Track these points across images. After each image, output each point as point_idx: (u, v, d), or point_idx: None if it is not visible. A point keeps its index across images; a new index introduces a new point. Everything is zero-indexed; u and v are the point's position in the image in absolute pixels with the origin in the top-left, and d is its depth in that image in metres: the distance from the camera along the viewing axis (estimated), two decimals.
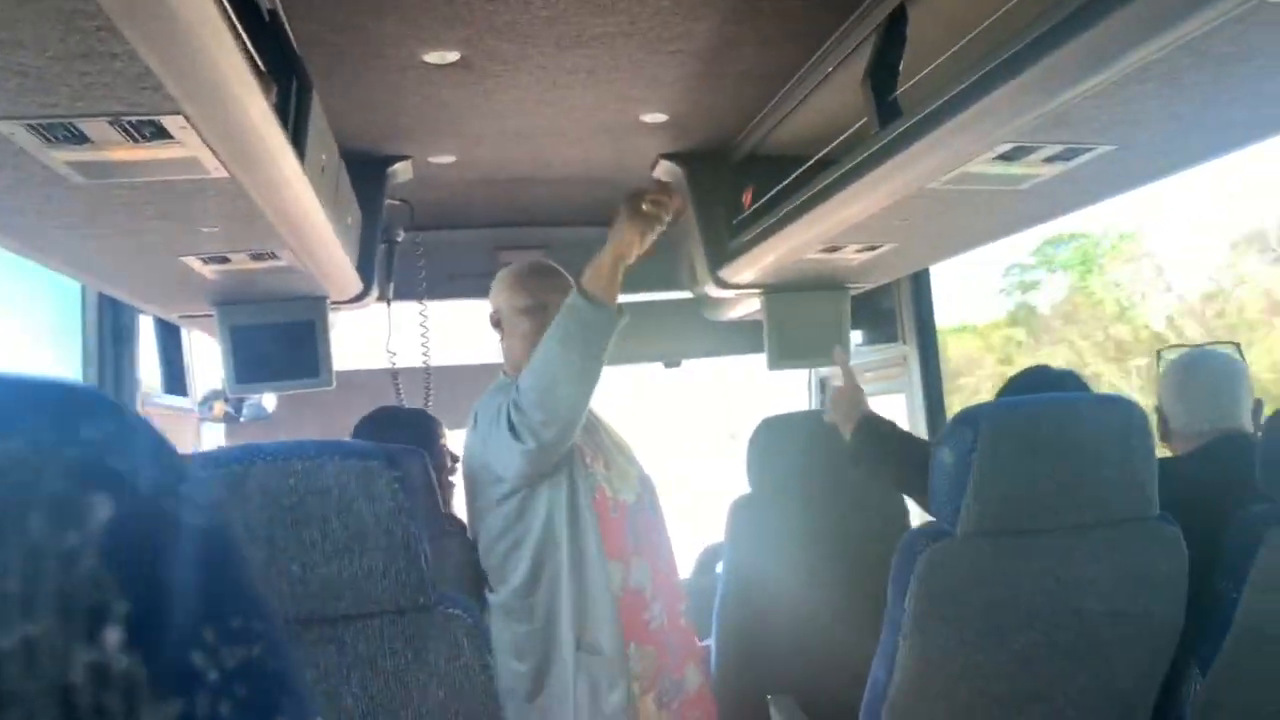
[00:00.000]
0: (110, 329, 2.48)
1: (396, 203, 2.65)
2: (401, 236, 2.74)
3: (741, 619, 2.31)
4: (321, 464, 1.19)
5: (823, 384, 3.37)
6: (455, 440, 2.46)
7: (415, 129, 2.29)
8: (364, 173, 2.35)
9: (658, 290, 3.19)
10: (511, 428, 1.79)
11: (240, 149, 1.38)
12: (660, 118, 2.28)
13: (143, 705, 0.24)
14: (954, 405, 2.59)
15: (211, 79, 1.13)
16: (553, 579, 1.86)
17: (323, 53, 1.76)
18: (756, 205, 2.38)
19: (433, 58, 1.83)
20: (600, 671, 1.83)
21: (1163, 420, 1.93)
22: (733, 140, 2.48)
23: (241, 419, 2.99)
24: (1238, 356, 2.03)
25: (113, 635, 0.23)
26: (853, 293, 2.71)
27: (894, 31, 1.63)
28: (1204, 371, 1.92)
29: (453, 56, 1.83)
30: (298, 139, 1.59)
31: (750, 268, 2.43)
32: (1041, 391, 1.89)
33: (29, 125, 1.17)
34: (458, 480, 2.35)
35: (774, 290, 2.63)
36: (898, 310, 2.87)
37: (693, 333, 3.21)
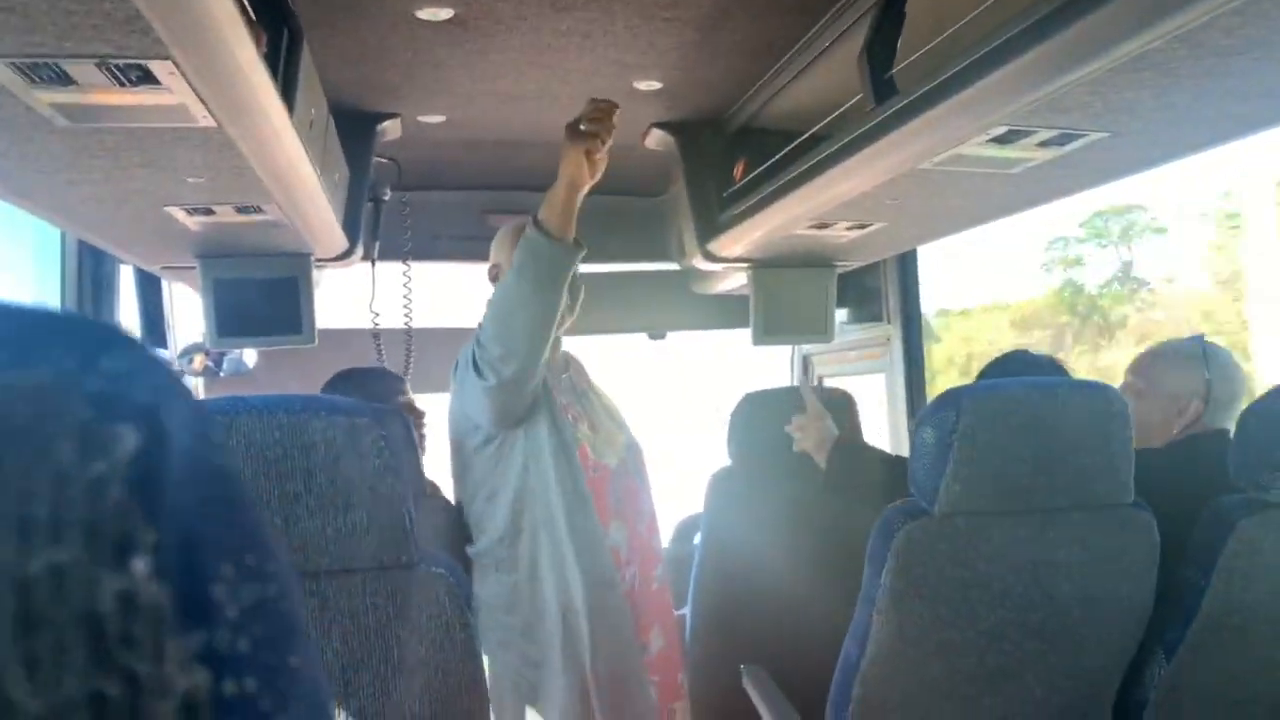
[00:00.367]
0: (90, 279, 2.45)
1: (384, 161, 2.62)
2: (389, 196, 2.71)
3: (717, 589, 2.33)
4: (307, 419, 1.18)
5: (805, 361, 3.37)
6: (433, 403, 2.46)
7: (405, 86, 2.27)
8: (352, 129, 2.33)
9: (644, 262, 3.18)
10: (475, 366, 1.79)
11: (228, 98, 1.36)
12: (654, 85, 2.26)
13: (168, 636, 0.24)
14: None
15: (201, 24, 1.11)
16: (533, 529, 1.86)
17: (314, 4, 1.73)
18: (748, 178, 2.37)
19: (426, 14, 1.80)
20: (611, 601, 1.84)
21: (1189, 407, 1.89)
22: (726, 111, 2.46)
23: (222, 373, 2.97)
24: None
25: (140, 564, 0.24)
26: (840, 271, 2.71)
27: (892, 9, 1.63)
28: (1234, 367, 1.92)
29: (446, 14, 1.80)
30: (287, 90, 1.57)
31: (739, 241, 2.43)
32: (1021, 375, 1.90)
33: (13, 64, 1.15)
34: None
35: (762, 265, 2.63)
36: (883, 290, 2.88)
37: (678, 305, 3.20)
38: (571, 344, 2.21)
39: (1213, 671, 1.52)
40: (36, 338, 0.23)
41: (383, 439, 1.20)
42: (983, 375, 2.06)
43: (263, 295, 2.31)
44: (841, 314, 2.90)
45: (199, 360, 2.91)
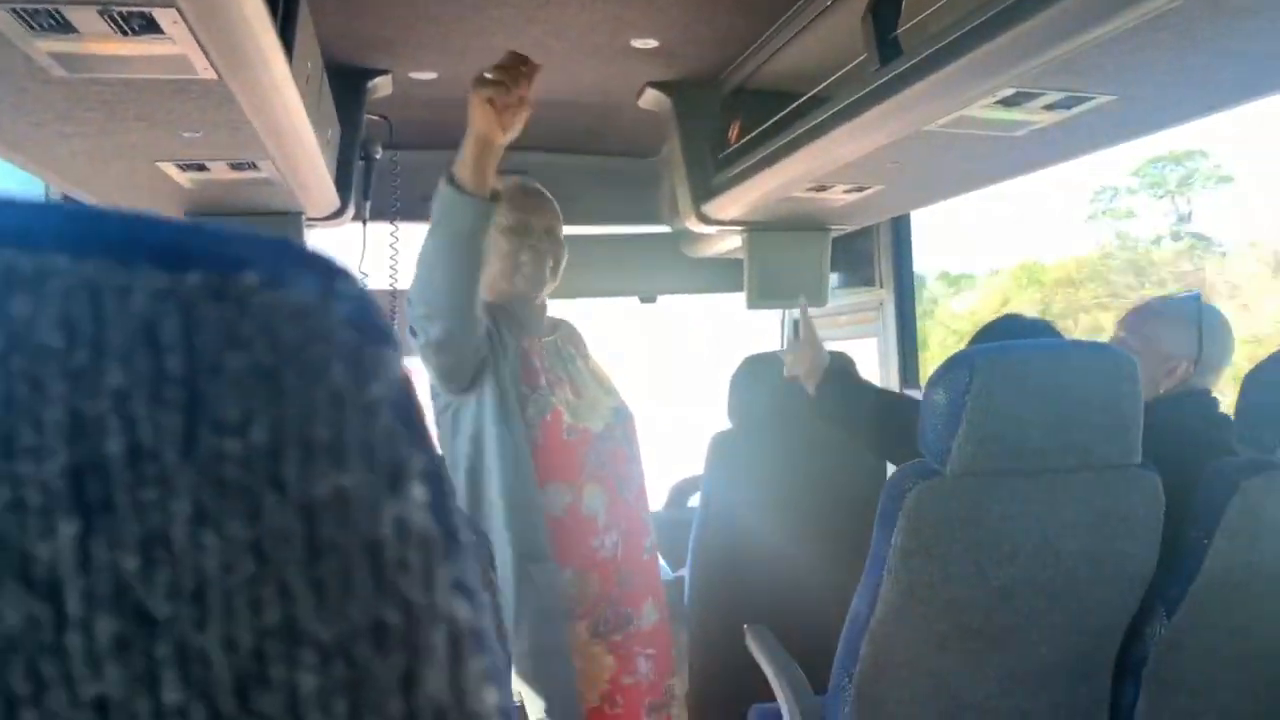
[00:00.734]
0: None
1: (375, 118, 2.58)
2: (380, 154, 2.67)
3: (718, 551, 2.34)
4: None
5: (795, 325, 3.38)
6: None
7: (397, 42, 2.22)
8: (344, 85, 2.29)
9: (635, 224, 3.16)
10: (411, 327, 1.77)
11: (230, 48, 1.32)
12: (651, 43, 2.24)
13: (437, 564, 0.24)
14: None
15: None
16: (490, 497, 1.85)
17: None
18: (744, 140, 2.35)
19: None
20: (541, 579, 1.82)
21: (1178, 368, 1.89)
22: (723, 71, 2.44)
23: None
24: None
25: (417, 490, 0.23)
26: (834, 234, 2.70)
27: None
28: (1226, 330, 1.92)
29: None
30: (286, 43, 1.54)
31: (734, 204, 2.41)
32: (1015, 339, 1.90)
33: (14, 10, 1.11)
34: None
35: (756, 228, 2.62)
36: (876, 254, 2.88)
37: (670, 268, 3.19)
38: (570, 309, 2.20)
39: (1212, 629, 1.55)
40: (277, 259, 0.22)
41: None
42: (976, 340, 2.07)
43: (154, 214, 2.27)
44: (833, 278, 2.90)
45: None
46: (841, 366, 2.13)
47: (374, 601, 0.22)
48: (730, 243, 2.81)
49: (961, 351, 1.45)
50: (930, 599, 1.44)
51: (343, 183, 2.34)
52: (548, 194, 2.02)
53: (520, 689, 1.80)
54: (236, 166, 1.89)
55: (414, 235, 2.88)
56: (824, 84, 2.03)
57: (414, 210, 2.93)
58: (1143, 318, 1.99)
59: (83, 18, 1.16)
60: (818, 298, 2.70)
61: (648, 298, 3.25)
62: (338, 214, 2.40)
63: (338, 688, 0.22)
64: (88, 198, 2.15)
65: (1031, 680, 1.55)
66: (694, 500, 2.68)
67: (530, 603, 1.80)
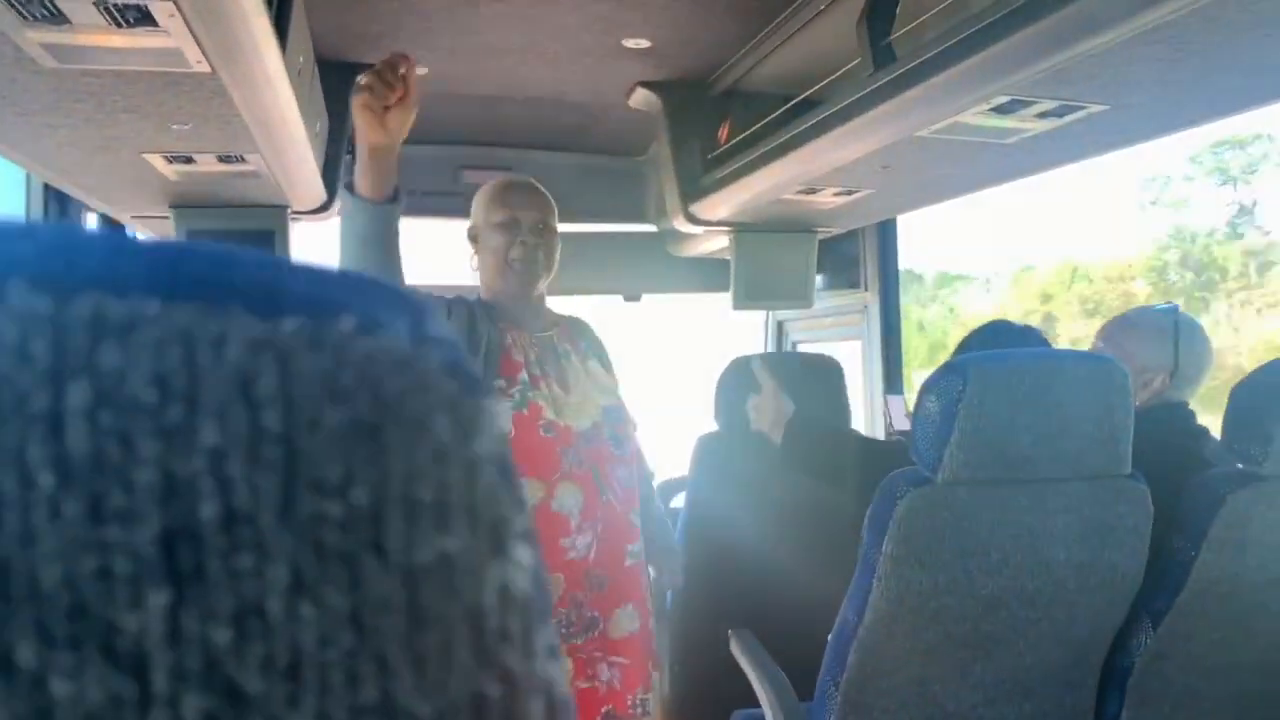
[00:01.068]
0: None
1: None
2: None
3: (703, 554, 2.34)
4: None
5: (780, 326, 3.38)
6: None
7: (388, 36, 2.21)
8: (333, 79, 2.26)
9: (621, 222, 3.16)
10: None
11: (225, 43, 1.31)
12: (643, 43, 2.23)
13: (535, 630, 0.22)
14: None
15: None
16: None
17: None
18: (734, 141, 2.35)
19: None
20: None
21: (1154, 381, 1.90)
22: (714, 72, 2.43)
23: None
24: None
25: (520, 552, 0.22)
26: (820, 237, 2.71)
27: None
28: (1204, 343, 1.92)
29: None
30: (280, 36, 1.52)
31: (723, 205, 2.41)
32: (1003, 347, 1.90)
33: (8, 0, 1.09)
34: None
35: (743, 229, 2.62)
36: (861, 257, 2.89)
37: (655, 267, 3.18)
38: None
39: (1197, 640, 1.56)
40: (370, 300, 0.21)
41: None
42: (963, 347, 2.06)
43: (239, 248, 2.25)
44: (818, 280, 2.91)
45: None
46: (804, 417, 2.10)
47: (475, 673, 0.21)
48: (716, 243, 2.81)
49: (955, 359, 1.45)
50: (920, 607, 1.44)
51: (330, 176, 2.32)
52: (539, 187, 1.99)
53: None
54: (224, 159, 1.86)
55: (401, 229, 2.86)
56: (816, 87, 2.03)
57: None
58: (1119, 329, 1.99)
59: (77, 9, 1.14)
60: (803, 299, 2.70)
61: (632, 296, 3.24)
62: (324, 208, 2.38)
63: None
64: (74, 189, 2.11)
65: (1017, 689, 1.56)
66: (677, 501, 2.67)
67: None
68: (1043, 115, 1.64)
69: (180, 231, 2.22)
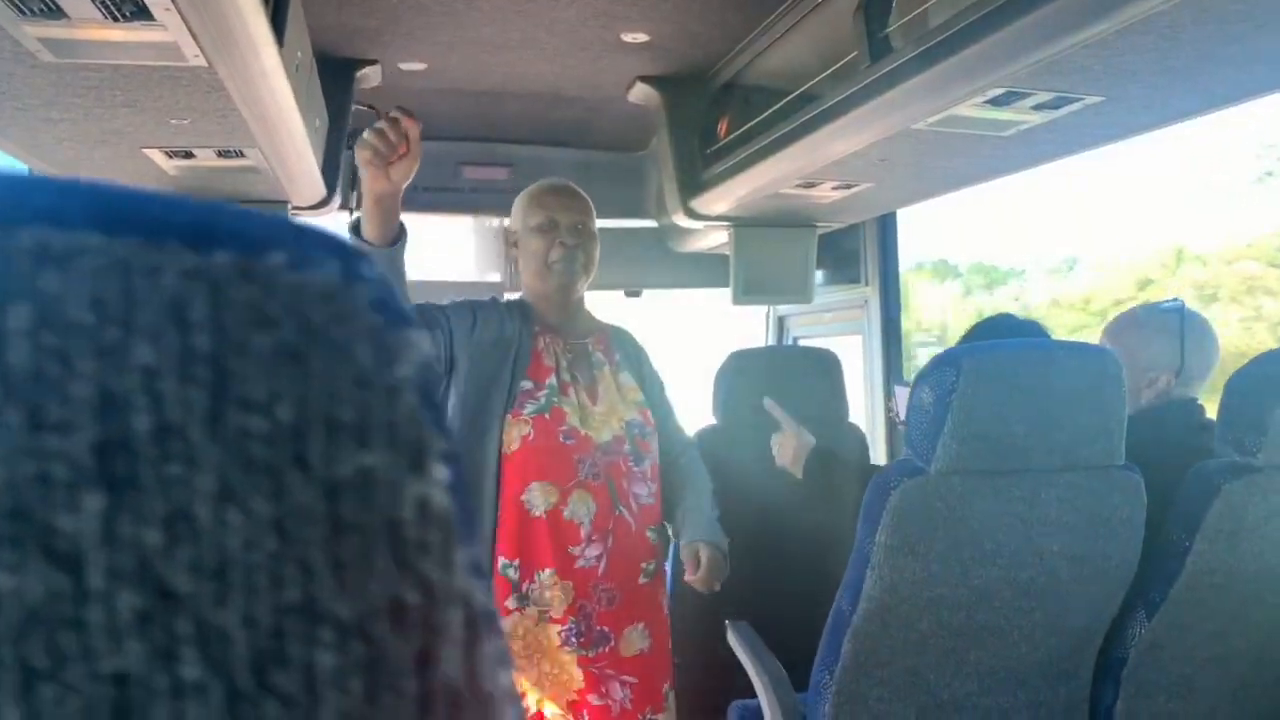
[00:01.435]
0: None
1: (364, 108, 2.57)
2: None
3: None
4: None
5: (781, 321, 3.39)
6: None
7: (387, 32, 2.22)
8: (332, 75, 2.28)
9: (621, 218, 3.16)
10: None
11: (221, 36, 1.32)
12: (641, 38, 2.23)
13: (455, 546, 0.24)
14: None
15: None
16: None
17: None
18: (733, 136, 2.36)
19: None
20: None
21: (1159, 380, 1.89)
22: (713, 67, 2.44)
23: None
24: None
25: (439, 470, 0.23)
26: (820, 231, 2.71)
27: None
28: (1210, 339, 1.91)
29: None
30: (277, 31, 1.53)
31: (722, 199, 2.42)
32: (1005, 339, 1.91)
33: None
34: None
35: (743, 224, 2.63)
36: (862, 252, 2.89)
37: (655, 263, 3.19)
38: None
39: (1192, 630, 1.56)
40: (301, 241, 0.22)
41: None
42: (967, 339, 2.07)
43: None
44: (818, 275, 2.91)
45: None
46: (826, 449, 2.11)
47: (394, 580, 0.23)
48: (716, 238, 2.81)
49: (948, 350, 1.46)
50: (913, 597, 1.45)
51: (329, 172, 2.33)
52: (577, 190, 2.01)
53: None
54: (223, 154, 1.87)
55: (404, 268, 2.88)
56: (814, 81, 2.04)
57: (403, 201, 2.92)
58: (1124, 327, 1.97)
59: (73, 3, 1.15)
60: (803, 294, 2.70)
61: (633, 292, 3.25)
62: (323, 203, 2.39)
63: (355, 666, 0.22)
64: None
65: (1011, 679, 1.56)
66: None
67: None
68: (1038, 107, 1.64)
69: None
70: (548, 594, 1.83)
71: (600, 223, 3.19)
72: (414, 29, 2.19)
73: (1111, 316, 2.07)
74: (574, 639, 1.83)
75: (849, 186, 2.24)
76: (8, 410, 0.20)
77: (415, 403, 0.23)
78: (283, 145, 1.85)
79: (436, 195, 3.00)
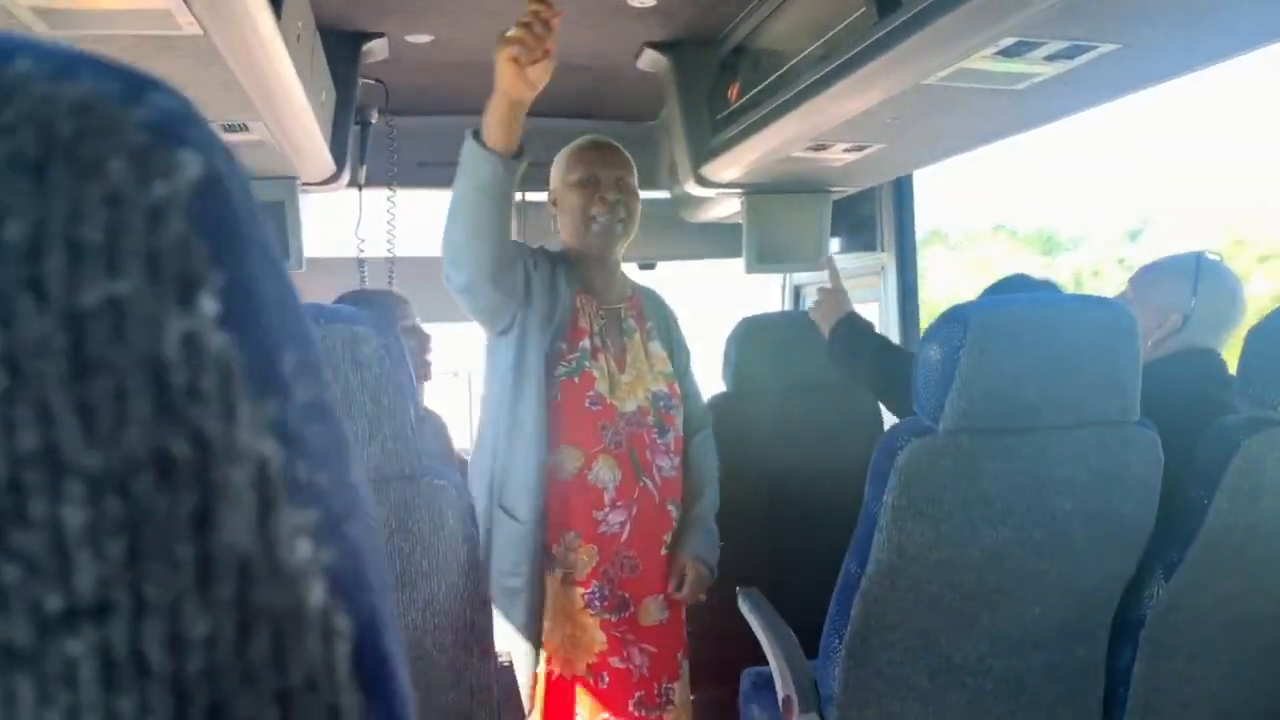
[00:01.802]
0: None
1: (371, 82, 2.56)
2: (375, 119, 2.64)
3: None
4: None
5: (797, 291, 3.35)
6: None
7: (392, 3, 2.20)
8: (338, 49, 2.26)
9: None
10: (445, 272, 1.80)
11: (215, 3, 1.31)
12: (648, 2, 2.20)
13: (239, 396, 0.21)
14: None
15: None
16: (494, 437, 1.87)
17: None
18: (743, 100, 2.32)
19: None
20: (510, 537, 1.84)
21: (1173, 322, 1.88)
22: (721, 31, 2.40)
23: None
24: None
25: (208, 304, 0.21)
26: (834, 197, 2.67)
27: None
28: (1228, 289, 1.88)
29: None
30: (274, 1, 1.52)
31: (734, 165, 2.38)
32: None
33: None
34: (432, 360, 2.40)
35: (755, 191, 2.59)
36: (878, 218, 2.85)
37: (669, 234, 3.16)
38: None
39: (1211, 591, 1.53)
40: (78, 58, 0.20)
41: (383, 348, 1.17)
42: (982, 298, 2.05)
43: None
44: (834, 243, 2.87)
45: None
46: (857, 317, 2.24)
47: (155, 429, 0.20)
48: (729, 207, 2.78)
49: (955, 306, 1.42)
50: (922, 558, 1.42)
51: (338, 147, 2.32)
52: (617, 145, 2.00)
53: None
54: (228, 129, 1.87)
55: (412, 201, 2.87)
56: (822, 39, 2.00)
57: (411, 176, 2.91)
58: (1145, 272, 1.98)
59: None
60: (817, 261, 2.67)
61: (647, 264, 3.22)
62: (333, 179, 2.38)
63: (113, 526, 0.20)
64: None
65: (1026, 641, 1.53)
66: None
67: (490, 551, 1.83)
68: (1051, 58, 1.60)
69: None
70: (572, 556, 1.86)
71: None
72: (419, 1, 2.17)
73: None
74: (597, 602, 1.87)
75: (861, 148, 2.20)
76: None
77: (185, 229, 0.21)
78: (286, 118, 1.84)
79: (447, 170, 2.98)
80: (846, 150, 2.22)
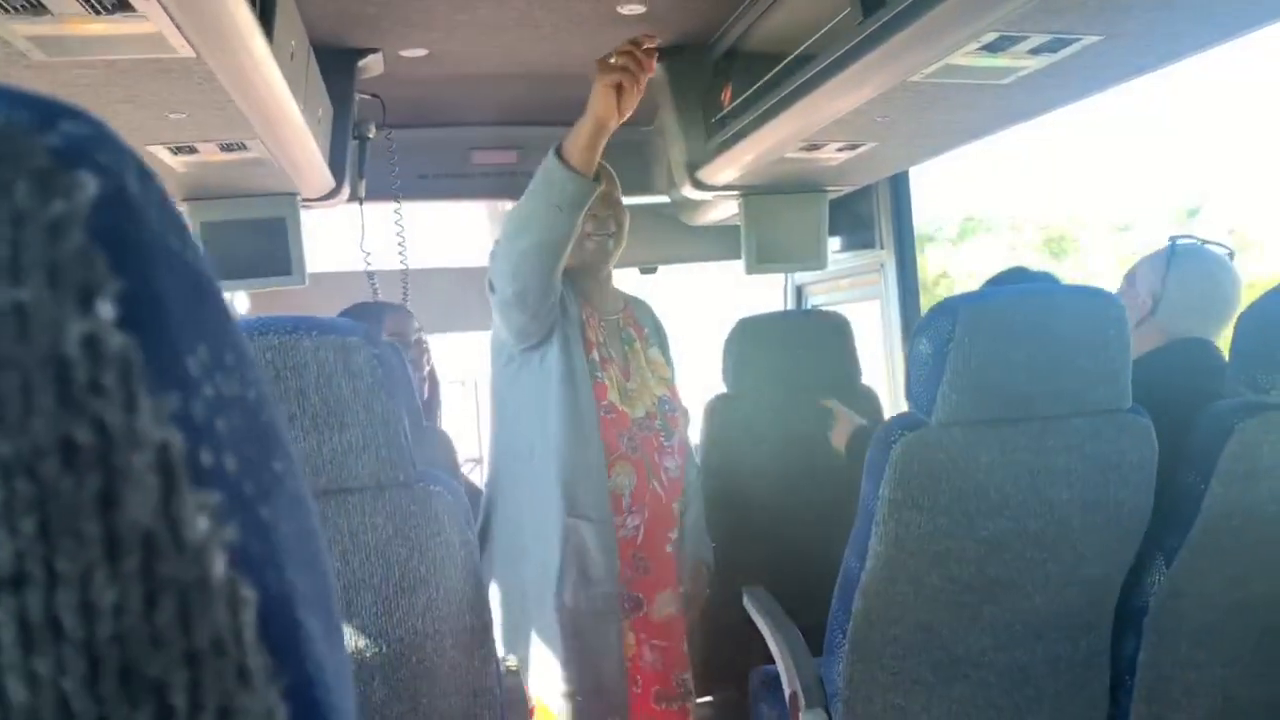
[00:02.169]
0: None
1: (368, 97, 2.58)
2: (373, 133, 2.67)
3: (714, 514, 2.34)
4: (298, 339, 1.18)
5: (799, 290, 3.36)
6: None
7: (385, 19, 2.22)
8: (334, 65, 2.29)
9: (634, 195, 3.15)
10: (490, 281, 1.82)
11: (205, 24, 1.33)
12: (638, 9, 2.22)
13: (140, 390, 0.23)
14: None
15: None
16: (545, 446, 1.88)
17: None
18: (736, 103, 2.34)
19: None
20: (589, 537, 1.85)
21: (1145, 305, 1.89)
22: (712, 35, 2.42)
23: None
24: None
25: (105, 308, 0.23)
26: (832, 196, 2.69)
27: None
28: (1206, 274, 1.89)
29: None
30: (265, 19, 1.54)
31: (729, 168, 2.40)
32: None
33: None
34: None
35: (752, 192, 2.61)
36: (876, 216, 2.86)
37: (669, 238, 3.18)
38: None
39: (1212, 575, 1.53)
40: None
41: (375, 358, 1.19)
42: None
43: (252, 237, 2.30)
44: (834, 242, 2.88)
45: None
46: (868, 428, 2.24)
47: (60, 419, 0.22)
48: (728, 209, 2.80)
49: (945, 299, 1.44)
50: (920, 551, 1.43)
51: (337, 162, 2.35)
52: (602, 162, 2.04)
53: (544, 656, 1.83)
54: (226, 148, 1.89)
55: (411, 214, 2.89)
56: (810, 41, 2.01)
57: (414, 189, 2.94)
58: (1139, 262, 1.99)
59: None
60: (816, 261, 2.68)
61: (648, 269, 3.24)
62: (333, 194, 2.41)
63: (24, 505, 0.22)
64: None
65: (1029, 632, 1.54)
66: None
67: (573, 563, 1.84)
68: (1035, 52, 1.61)
69: (195, 223, 2.26)
70: None
71: None
72: (411, 14, 2.19)
73: None
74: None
75: (854, 147, 2.21)
76: None
77: (83, 241, 0.23)
78: (283, 137, 1.87)
79: (449, 182, 3.01)
80: (840, 149, 2.24)
